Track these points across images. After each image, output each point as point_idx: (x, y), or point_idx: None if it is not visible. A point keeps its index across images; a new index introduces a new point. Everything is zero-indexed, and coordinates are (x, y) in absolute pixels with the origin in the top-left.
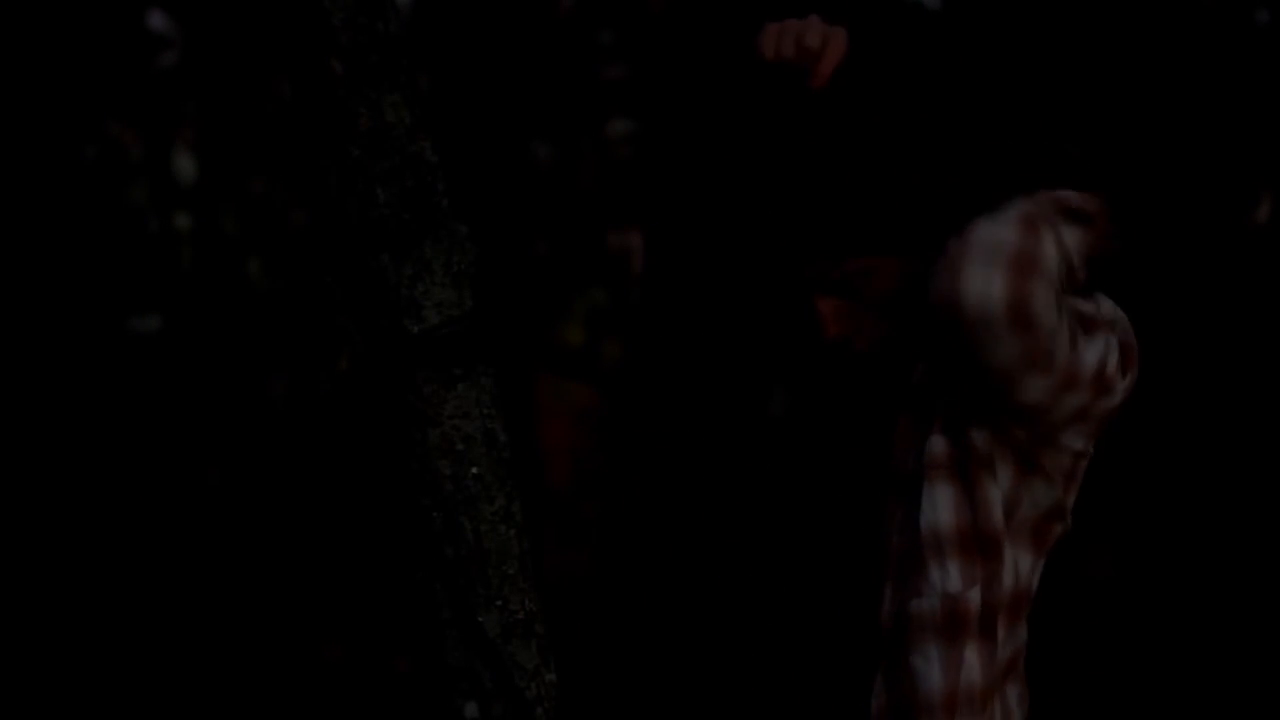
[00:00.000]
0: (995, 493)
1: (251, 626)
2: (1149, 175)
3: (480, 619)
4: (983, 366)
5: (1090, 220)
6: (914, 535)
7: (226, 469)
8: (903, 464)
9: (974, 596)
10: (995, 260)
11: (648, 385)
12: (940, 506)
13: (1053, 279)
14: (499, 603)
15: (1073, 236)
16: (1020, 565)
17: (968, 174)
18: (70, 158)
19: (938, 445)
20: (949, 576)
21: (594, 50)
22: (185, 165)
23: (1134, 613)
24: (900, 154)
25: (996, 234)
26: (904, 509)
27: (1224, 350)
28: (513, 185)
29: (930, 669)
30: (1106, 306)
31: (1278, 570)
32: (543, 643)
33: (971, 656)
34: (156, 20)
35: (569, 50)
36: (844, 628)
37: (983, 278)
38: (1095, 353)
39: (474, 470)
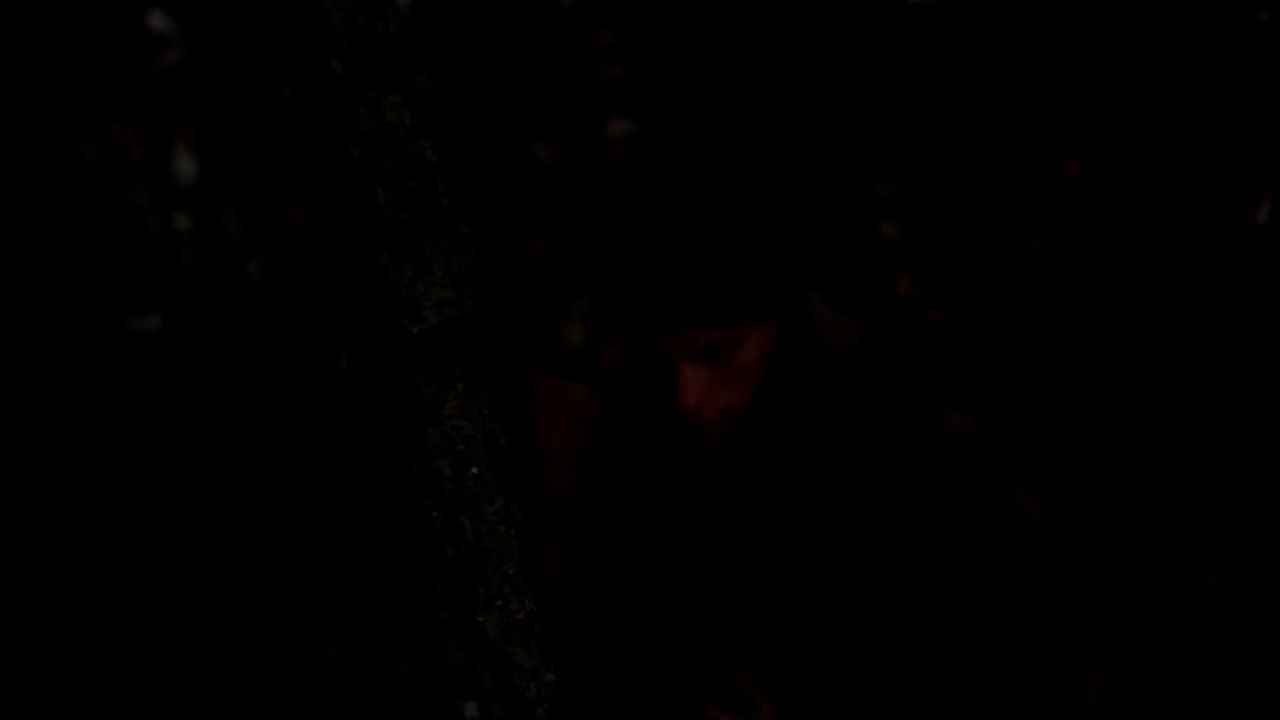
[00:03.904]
0: None
1: (251, 626)
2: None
3: (480, 619)
4: None
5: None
6: None
7: (226, 469)
8: None
9: None
10: None
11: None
12: None
13: None
14: (499, 603)
15: None
16: None
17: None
18: (71, 158)
19: None
20: None
21: (594, 50)
22: (185, 165)
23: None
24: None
25: None
26: None
27: (1224, 351)
28: (513, 185)
29: None
30: None
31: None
32: (543, 643)
33: None
34: (156, 20)
35: (569, 50)
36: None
37: None
38: None
39: (474, 470)
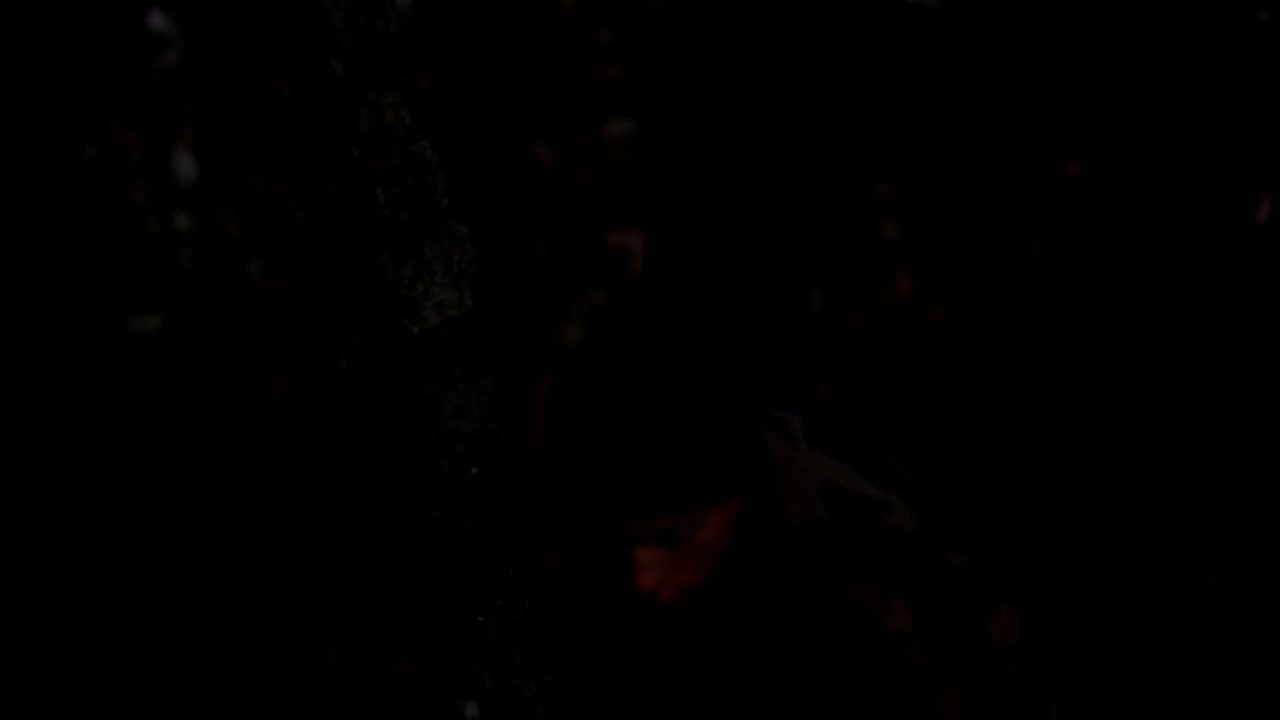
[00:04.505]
0: None
1: (252, 627)
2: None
3: (480, 619)
4: None
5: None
6: None
7: (226, 469)
8: None
9: None
10: None
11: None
12: None
13: None
14: (499, 603)
15: None
16: None
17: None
18: (70, 158)
19: None
20: None
21: (594, 50)
22: (185, 165)
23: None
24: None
25: None
26: None
27: (1224, 351)
28: (513, 185)
29: None
30: None
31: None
32: (543, 643)
33: None
34: (156, 20)
35: (569, 50)
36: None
37: None
38: None
39: (474, 470)
